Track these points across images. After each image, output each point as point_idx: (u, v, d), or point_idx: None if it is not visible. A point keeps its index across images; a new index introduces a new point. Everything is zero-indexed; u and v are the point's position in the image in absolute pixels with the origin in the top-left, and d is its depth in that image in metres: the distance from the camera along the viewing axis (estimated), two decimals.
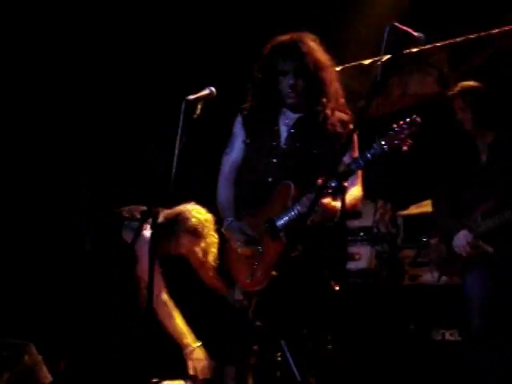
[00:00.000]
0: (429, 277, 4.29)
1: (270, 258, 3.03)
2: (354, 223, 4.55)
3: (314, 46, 3.15)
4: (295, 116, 3.18)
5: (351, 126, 3.12)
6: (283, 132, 3.17)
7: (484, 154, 3.73)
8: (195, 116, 2.96)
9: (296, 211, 3.00)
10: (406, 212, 4.61)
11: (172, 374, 3.55)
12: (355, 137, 3.10)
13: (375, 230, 4.54)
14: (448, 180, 3.84)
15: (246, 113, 3.26)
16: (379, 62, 3.36)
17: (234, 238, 3.12)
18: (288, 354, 3.05)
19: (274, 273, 2.91)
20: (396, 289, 4.45)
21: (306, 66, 3.10)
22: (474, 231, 3.60)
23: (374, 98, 2.64)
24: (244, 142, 3.24)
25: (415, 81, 4.67)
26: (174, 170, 2.87)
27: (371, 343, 4.18)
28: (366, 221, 4.55)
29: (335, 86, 3.19)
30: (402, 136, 2.83)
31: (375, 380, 4.08)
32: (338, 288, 3.08)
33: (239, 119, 3.27)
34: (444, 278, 3.93)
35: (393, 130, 2.86)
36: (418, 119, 2.86)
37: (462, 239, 3.62)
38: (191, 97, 3.01)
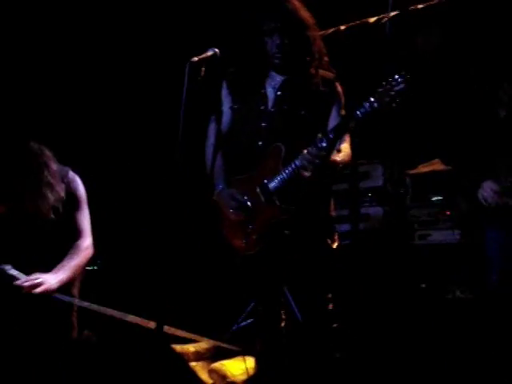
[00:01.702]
0: (438, 235, 4.28)
1: (264, 221, 3.03)
2: (363, 184, 4.53)
3: (297, 4, 3.12)
4: (281, 78, 3.15)
5: (337, 84, 3.10)
6: (270, 95, 3.14)
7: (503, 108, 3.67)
8: (199, 78, 2.92)
9: (291, 169, 2.97)
10: (414, 171, 4.57)
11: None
12: (341, 95, 3.10)
13: (384, 190, 4.51)
14: (465, 137, 3.79)
15: (231, 77, 3.22)
16: (386, 19, 3.33)
17: (226, 204, 3.11)
18: (290, 299, 3.10)
19: (286, 232, 2.94)
20: (406, 248, 4.43)
21: (291, 24, 3.06)
22: (500, 182, 3.55)
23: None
24: (231, 107, 3.21)
25: (421, 38, 4.59)
26: (180, 136, 2.84)
27: (382, 303, 4.18)
28: (375, 181, 4.53)
29: (319, 45, 3.16)
30: (392, 93, 2.82)
31: (386, 340, 4.09)
32: (335, 246, 3.09)
33: (224, 84, 3.24)
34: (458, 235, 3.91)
35: (383, 86, 2.84)
36: (408, 76, 2.84)
37: (487, 189, 3.57)
38: (195, 59, 2.96)
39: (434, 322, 4.08)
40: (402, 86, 2.84)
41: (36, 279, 3.12)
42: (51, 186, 3.32)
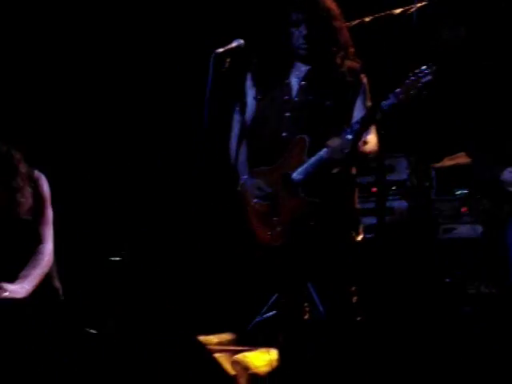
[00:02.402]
0: (463, 230, 4.24)
1: (288, 212, 3.02)
2: (387, 177, 4.51)
3: None
4: (306, 68, 3.13)
5: (363, 75, 3.08)
6: (295, 85, 3.13)
7: None
8: (224, 69, 2.92)
9: (315, 161, 2.96)
10: (439, 164, 4.54)
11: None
12: (367, 86, 3.07)
13: (408, 184, 4.48)
14: (488, 128, 3.75)
15: (255, 68, 3.20)
16: (412, 10, 3.30)
17: (251, 194, 3.09)
18: (314, 295, 3.10)
19: (311, 223, 2.94)
20: (430, 242, 4.40)
21: (318, 15, 3.04)
22: None
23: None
24: (255, 98, 3.21)
25: (447, 29, 4.54)
26: (205, 127, 2.85)
27: (406, 297, 4.16)
28: (399, 175, 4.50)
29: (345, 35, 3.14)
30: (419, 85, 2.80)
31: (410, 334, 4.07)
32: (359, 239, 3.08)
33: (248, 75, 3.22)
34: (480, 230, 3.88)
35: (409, 78, 2.82)
36: (435, 67, 2.82)
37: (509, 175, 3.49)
38: (220, 50, 2.97)
39: (457, 316, 4.06)
40: (429, 77, 2.82)
41: (4, 292, 3.02)
42: (21, 191, 3.22)
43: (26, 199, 3.23)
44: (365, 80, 3.15)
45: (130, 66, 4.94)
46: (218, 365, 2.30)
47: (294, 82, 3.14)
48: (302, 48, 3.09)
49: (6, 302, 2.92)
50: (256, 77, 3.21)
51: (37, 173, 3.34)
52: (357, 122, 2.94)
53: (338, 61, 3.09)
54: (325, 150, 2.97)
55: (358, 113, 3.08)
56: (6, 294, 3.00)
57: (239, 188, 3.20)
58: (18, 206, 3.21)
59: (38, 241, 3.24)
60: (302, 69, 3.14)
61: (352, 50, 3.17)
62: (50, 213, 3.33)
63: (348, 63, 3.12)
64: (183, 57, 4.80)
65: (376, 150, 3.10)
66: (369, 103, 3.11)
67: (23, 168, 3.26)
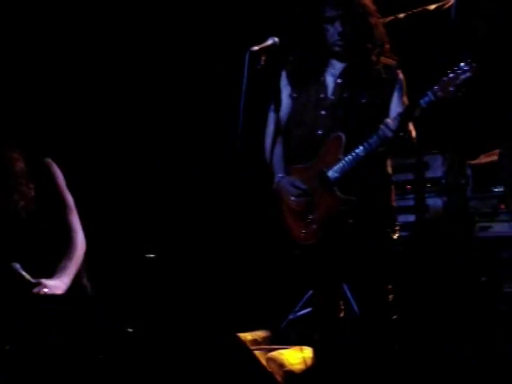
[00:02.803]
0: (500, 227, 4.18)
1: (324, 210, 3.01)
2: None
3: None
4: (341, 65, 3.11)
5: (399, 72, 3.06)
6: (330, 83, 3.11)
7: None
8: (259, 67, 2.92)
9: (352, 158, 2.95)
10: (475, 161, 4.48)
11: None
12: (403, 82, 3.05)
13: (444, 181, 4.44)
14: None
15: (290, 66, 3.20)
16: (448, 5, 3.26)
17: (286, 192, 3.09)
18: (349, 295, 3.08)
19: (350, 221, 2.93)
20: (466, 240, 4.35)
21: (354, 12, 3.02)
22: None
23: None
24: (290, 96, 3.19)
25: (484, 23, 4.47)
26: (240, 125, 2.85)
27: (441, 295, 4.13)
28: (434, 172, 4.45)
29: (381, 32, 3.11)
30: (458, 82, 2.76)
31: (445, 332, 4.04)
32: (395, 237, 3.06)
33: (284, 73, 3.22)
34: None
35: (447, 75, 2.79)
36: (474, 64, 2.77)
37: None
38: (255, 48, 2.97)
39: (493, 315, 4.01)
40: (467, 74, 2.78)
41: (44, 288, 2.99)
42: (17, 191, 3.16)
43: (25, 198, 3.18)
44: (401, 76, 3.13)
45: (166, 64, 4.95)
46: (257, 361, 2.30)
47: (330, 79, 3.13)
48: (337, 45, 3.07)
49: (47, 299, 2.93)
50: (291, 75, 3.20)
51: (48, 162, 3.29)
52: (395, 119, 2.92)
53: (374, 58, 3.06)
54: (361, 147, 2.96)
55: (394, 109, 3.05)
56: (46, 290, 2.98)
57: (274, 186, 3.20)
58: (16, 206, 3.16)
59: (67, 231, 3.21)
60: (337, 66, 3.12)
61: (387, 46, 3.14)
62: (69, 199, 3.28)
63: (383, 60, 3.09)
64: (219, 54, 4.80)
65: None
66: (405, 99, 3.09)
67: (19, 166, 3.19)
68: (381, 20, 3.28)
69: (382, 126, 2.91)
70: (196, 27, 4.96)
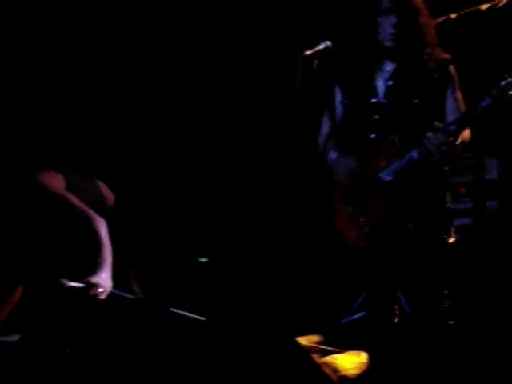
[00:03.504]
0: None
1: (377, 214, 3.00)
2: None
3: None
4: (392, 67, 3.08)
5: (452, 67, 3.01)
6: (381, 86, 3.09)
7: None
8: (312, 71, 2.93)
9: (406, 161, 2.92)
10: None
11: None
12: (456, 78, 3.01)
13: (499, 183, 4.36)
14: None
15: (339, 72, 3.19)
16: (501, 4, 3.21)
17: (341, 170, 3.08)
18: (405, 306, 3.05)
19: (410, 225, 2.90)
20: None
21: (408, 6, 2.99)
22: None
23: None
24: (342, 102, 3.18)
25: None
26: (294, 129, 2.86)
27: (498, 300, 4.05)
28: (489, 174, 4.38)
29: (432, 32, 3.07)
30: None
31: (503, 337, 3.96)
32: (451, 240, 3.02)
33: (334, 79, 3.22)
34: None
35: (506, 79, 2.74)
36: None
37: None
38: (307, 52, 2.97)
39: None
40: None
41: (97, 287, 3.07)
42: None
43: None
44: (453, 71, 3.09)
45: (221, 68, 4.97)
46: (315, 364, 2.31)
47: (380, 83, 3.11)
48: (390, 39, 3.04)
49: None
50: (341, 80, 3.19)
51: (33, 176, 3.42)
52: (452, 123, 2.89)
53: (425, 56, 3.04)
54: (415, 150, 2.93)
55: (450, 106, 3.02)
56: (101, 289, 3.08)
57: (329, 165, 3.18)
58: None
59: (83, 222, 3.31)
60: (387, 69, 3.10)
61: (439, 48, 3.11)
62: (67, 198, 3.39)
63: (435, 57, 3.05)
64: (272, 59, 4.81)
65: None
66: (459, 95, 3.05)
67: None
68: (432, 21, 3.25)
69: (424, 141, 2.88)
70: (251, 32, 4.96)
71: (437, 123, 2.90)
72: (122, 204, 3.68)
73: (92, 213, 3.35)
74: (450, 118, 3.01)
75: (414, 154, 2.94)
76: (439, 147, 2.87)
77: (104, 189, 3.71)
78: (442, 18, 3.79)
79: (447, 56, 3.09)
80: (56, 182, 3.46)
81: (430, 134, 2.89)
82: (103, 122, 4.82)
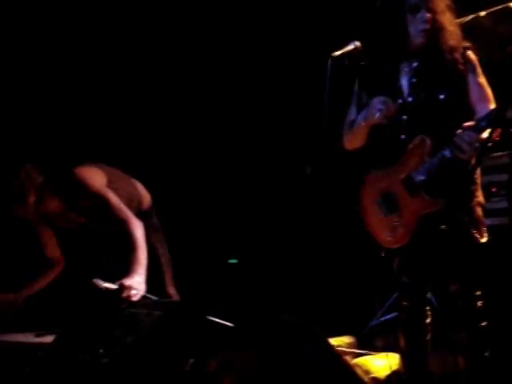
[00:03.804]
0: None
1: (410, 214, 2.95)
2: (503, 177, 4.32)
3: None
4: (413, 65, 3.04)
5: (469, 53, 2.97)
6: (405, 85, 3.04)
7: None
8: (342, 72, 2.92)
9: (438, 160, 2.89)
10: None
11: None
12: (476, 62, 2.97)
13: None
14: None
15: (363, 73, 3.14)
16: None
17: (375, 108, 2.98)
18: (436, 306, 3.01)
19: (443, 226, 2.88)
20: None
21: (436, 4, 2.97)
22: None
23: None
24: (366, 104, 3.12)
25: None
26: (324, 130, 2.86)
27: None
28: None
29: (455, 27, 3.03)
30: None
31: None
32: (484, 240, 2.97)
33: (357, 81, 3.15)
34: None
35: None
36: None
37: None
38: (337, 53, 2.96)
39: None
40: None
41: (130, 289, 3.06)
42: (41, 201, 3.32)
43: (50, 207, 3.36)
44: (472, 56, 3.03)
45: (254, 69, 4.96)
46: (347, 365, 2.30)
47: (404, 82, 3.07)
48: (421, 35, 3.00)
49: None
50: (365, 82, 3.16)
51: (74, 171, 3.41)
52: (483, 119, 2.84)
53: (447, 51, 3.01)
54: (447, 148, 2.90)
55: (473, 92, 2.96)
56: (134, 291, 3.06)
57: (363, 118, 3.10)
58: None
59: (121, 225, 3.29)
60: (410, 66, 3.07)
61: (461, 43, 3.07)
62: (109, 196, 3.36)
63: (456, 51, 3.01)
64: (301, 60, 4.80)
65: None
66: (482, 80, 2.99)
67: (31, 183, 3.33)
68: (460, 19, 3.22)
69: (456, 139, 2.85)
70: (281, 34, 4.95)
71: (466, 123, 2.86)
72: (157, 204, 3.68)
73: (130, 214, 3.34)
74: (476, 105, 2.96)
75: (446, 152, 2.90)
76: (472, 144, 2.82)
77: (141, 189, 3.70)
78: (471, 16, 3.76)
79: (466, 44, 3.04)
80: (97, 178, 3.44)
81: (460, 131, 2.85)
82: (138, 122, 4.84)
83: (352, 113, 3.18)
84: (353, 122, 3.13)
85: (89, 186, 3.38)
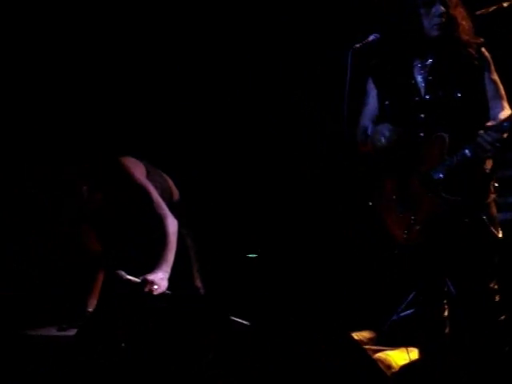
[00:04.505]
0: None
1: (428, 211, 2.95)
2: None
3: None
4: (429, 61, 3.02)
5: (484, 50, 2.97)
6: (421, 83, 3.03)
7: None
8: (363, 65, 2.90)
9: (459, 158, 2.88)
10: None
11: None
12: (490, 59, 2.97)
13: None
14: None
15: (376, 71, 3.14)
16: None
17: (379, 134, 3.00)
18: (453, 290, 3.01)
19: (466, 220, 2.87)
20: None
21: None
22: None
23: None
24: (382, 103, 3.11)
25: None
26: (345, 124, 2.85)
27: None
28: None
29: (467, 22, 3.02)
30: None
31: None
32: (500, 235, 2.98)
33: (370, 80, 3.16)
34: None
35: None
36: None
37: None
38: (357, 45, 2.95)
39: None
40: None
41: (152, 284, 3.06)
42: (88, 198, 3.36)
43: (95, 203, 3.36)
44: (486, 54, 3.02)
45: (275, 66, 4.95)
46: (373, 362, 2.29)
47: (420, 80, 3.05)
48: (437, 28, 2.98)
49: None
50: (378, 82, 3.13)
51: (118, 160, 3.40)
52: (506, 120, 2.83)
53: (462, 46, 2.99)
54: (468, 147, 2.88)
55: (489, 90, 2.97)
56: (156, 286, 3.07)
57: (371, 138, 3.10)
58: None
59: (156, 220, 3.28)
60: (425, 63, 3.05)
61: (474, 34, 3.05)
62: (150, 189, 3.37)
63: (473, 44, 3.00)
64: (318, 54, 4.79)
65: None
66: (495, 76, 2.99)
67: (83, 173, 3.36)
68: (482, 11, 3.19)
69: (478, 139, 2.83)
70: (301, 29, 4.94)
71: (488, 123, 2.85)
72: (185, 200, 3.68)
73: (167, 210, 3.33)
74: (492, 103, 2.97)
75: (467, 151, 2.89)
76: (493, 144, 2.81)
77: (172, 184, 3.69)
78: (494, 7, 3.72)
79: (480, 40, 3.03)
80: (139, 169, 3.43)
81: (482, 131, 2.84)
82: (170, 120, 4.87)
83: (365, 117, 3.17)
84: (366, 129, 3.12)
85: (133, 177, 3.36)
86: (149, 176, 3.45)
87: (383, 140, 2.99)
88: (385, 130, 2.99)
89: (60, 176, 3.37)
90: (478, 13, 3.21)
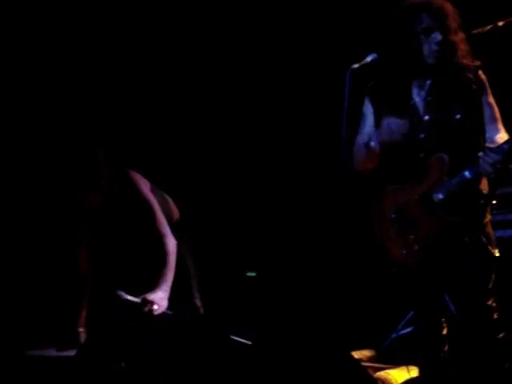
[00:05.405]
0: None
1: (426, 232, 2.96)
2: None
3: (450, 7, 3.02)
4: (428, 82, 3.05)
5: (481, 73, 2.99)
6: (420, 104, 3.05)
7: None
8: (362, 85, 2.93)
9: (459, 180, 2.90)
10: None
11: None
12: (486, 82, 2.99)
13: None
14: None
15: (374, 92, 3.15)
16: None
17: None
18: (452, 308, 3.01)
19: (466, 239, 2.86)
20: None
21: (449, 24, 2.98)
22: None
23: None
24: (376, 122, 3.13)
25: None
26: (343, 144, 2.86)
27: None
28: None
29: (466, 46, 3.04)
30: None
31: None
32: (497, 253, 2.98)
33: (367, 100, 3.17)
34: None
35: None
36: None
37: None
38: (355, 65, 2.97)
39: None
40: None
41: (152, 304, 3.07)
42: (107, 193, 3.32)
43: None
44: (483, 77, 3.05)
45: (280, 77, 4.98)
46: (374, 381, 2.29)
47: (418, 100, 3.08)
48: (435, 56, 3.01)
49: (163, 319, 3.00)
50: (376, 104, 3.16)
51: (129, 173, 3.41)
52: (506, 142, 2.86)
53: (461, 70, 3.02)
54: (469, 169, 2.90)
55: (486, 113, 2.99)
56: (156, 306, 3.08)
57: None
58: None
59: (157, 238, 3.29)
60: (423, 84, 3.07)
61: (473, 61, 3.08)
62: (155, 206, 3.37)
63: (471, 68, 3.03)
64: (317, 73, 4.82)
65: None
66: (492, 99, 3.02)
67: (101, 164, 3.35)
68: (478, 30, 3.23)
69: (479, 161, 2.86)
70: (300, 48, 4.98)
71: (488, 144, 2.88)
72: (184, 219, 3.68)
73: (168, 229, 3.33)
74: (488, 125, 3.00)
75: (467, 173, 2.91)
76: (494, 166, 2.83)
77: (172, 205, 3.70)
78: (489, 26, 3.75)
79: (477, 63, 3.06)
80: (144, 184, 3.44)
81: (482, 153, 2.86)
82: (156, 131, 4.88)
83: (362, 136, 3.19)
84: (366, 143, 3.14)
85: (140, 190, 3.36)
86: (151, 192, 3.45)
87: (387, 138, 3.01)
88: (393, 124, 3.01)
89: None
90: (474, 32, 3.24)
